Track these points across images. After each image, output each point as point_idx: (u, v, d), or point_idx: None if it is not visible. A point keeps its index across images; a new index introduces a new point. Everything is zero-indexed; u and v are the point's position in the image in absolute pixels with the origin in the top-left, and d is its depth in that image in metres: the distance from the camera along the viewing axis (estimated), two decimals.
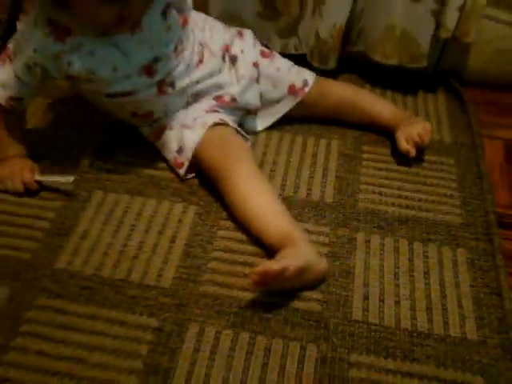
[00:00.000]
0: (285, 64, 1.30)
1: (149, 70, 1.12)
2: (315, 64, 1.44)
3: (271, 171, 1.23)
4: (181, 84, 1.18)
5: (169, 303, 0.98)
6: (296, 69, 1.31)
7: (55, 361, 0.89)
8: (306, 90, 1.29)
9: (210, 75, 1.22)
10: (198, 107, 1.22)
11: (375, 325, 0.97)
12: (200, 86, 1.21)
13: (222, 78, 1.24)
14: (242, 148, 1.17)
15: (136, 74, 1.12)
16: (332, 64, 1.44)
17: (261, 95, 1.29)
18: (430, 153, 1.30)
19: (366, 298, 1.01)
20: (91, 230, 1.09)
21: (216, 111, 1.21)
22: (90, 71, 1.09)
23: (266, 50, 1.31)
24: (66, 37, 1.05)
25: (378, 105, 1.33)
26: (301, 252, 0.98)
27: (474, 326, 0.97)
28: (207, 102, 1.22)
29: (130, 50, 1.09)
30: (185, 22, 1.16)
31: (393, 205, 1.17)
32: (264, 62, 1.28)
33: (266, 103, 1.30)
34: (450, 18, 1.35)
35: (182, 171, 1.18)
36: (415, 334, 0.95)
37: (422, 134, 1.22)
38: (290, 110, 1.31)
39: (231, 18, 1.42)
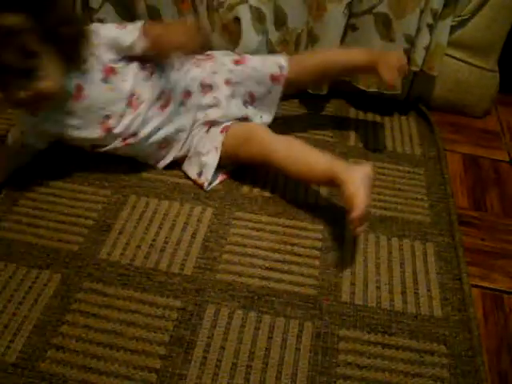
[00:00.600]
0: (257, 61, 1.22)
1: (105, 126, 1.09)
2: (310, 90, 1.43)
3: None
4: (144, 132, 1.11)
5: (190, 288, 0.97)
6: (268, 60, 1.24)
7: (99, 333, 0.89)
8: (285, 72, 1.21)
9: (170, 120, 1.15)
10: (199, 134, 1.19)
11: (360, 305, 0.96)
12: (164, 131, 1.14)
13: (179, 123, 1.17)
14: (258, 125, 1.18)
15: (97, 130, 1.09)
16: (324, 90, 1.43)
17: (253, 95, 1.23)
18: (404, 164, 1.29)
19: (352, 283, 1.00)
20: (127, 228, 1.08)
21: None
22: (60, 133, 1.09)
23: (237, 56, 1.25)
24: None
25: (349, 53, 1.27)
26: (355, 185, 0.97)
27: (439, 306, 0.97)
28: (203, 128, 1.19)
29: (82, 113, 1.07)
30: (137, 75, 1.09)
31: (374, 207, 1.16)
32: (239, 68, 1.20)
33: (261, 98, 1.24)
34: (419, 56, 1.35)
35: (205, 187, 1.15)
36: (393, 313, 0.95)
37: (400, 59, 1.20)
38: (283, 92, 1.25)
39: None
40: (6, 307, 0.93)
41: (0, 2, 0.92)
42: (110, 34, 1.06)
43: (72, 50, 1.01)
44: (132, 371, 0.84)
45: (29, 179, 1.16)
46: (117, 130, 1.09)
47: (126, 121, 1.08)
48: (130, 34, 1.05)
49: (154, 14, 1.41)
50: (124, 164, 1.21)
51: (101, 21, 1.43)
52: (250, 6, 1.31)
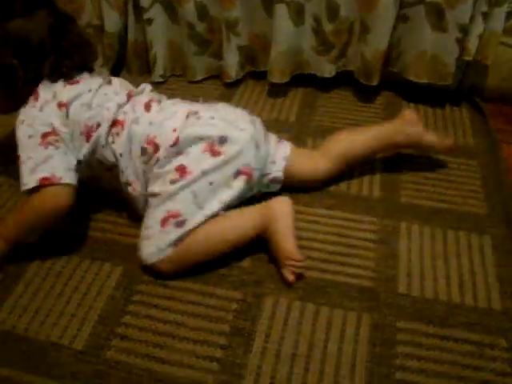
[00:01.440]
0: None
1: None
2: (361, 80, 1.43)
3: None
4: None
5: (249, 280, 0.99)
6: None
7: (161, 324, 0.92)
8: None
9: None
10: None
11: (417, 297, 0.96)
12: None
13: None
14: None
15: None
16: (375, 81, 1.42)
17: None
18: (458, 156, 1.28)
19: (408, 275, 1.00)
20: None
21: None
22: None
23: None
24: None
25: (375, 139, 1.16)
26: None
27: (498, 299, 0.96)
28: None
29: None
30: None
31: (429, 199, 1.15)
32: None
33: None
34: (472, 45, 1.33)
35: None
36: (450, 305, 0.95)
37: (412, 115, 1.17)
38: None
39: (294, 53, 1.42)
40: (72, 297, 0.98)
41: None
42: None
43: None
44: (194, 360, 0.87)
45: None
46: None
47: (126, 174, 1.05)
48: None
49: (203, 12, 1.43)
50: None
51: (150, 21, 1.45)
52: (290, 2, 1.32)
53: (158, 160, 0.98)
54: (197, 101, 1.12)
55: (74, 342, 0.91)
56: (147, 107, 1.03)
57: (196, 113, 1.02)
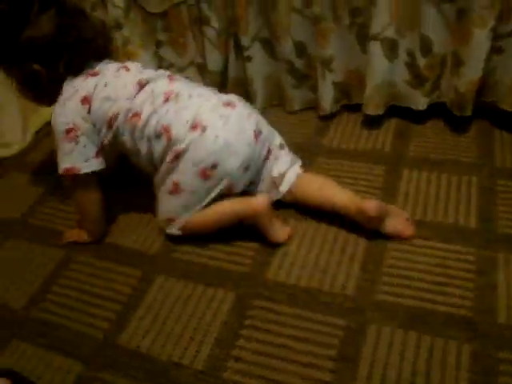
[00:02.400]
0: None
1: None
2: (454, 112, 1.45)
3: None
4: None
5: (352, 307, 1.05)
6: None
7: (272, 347, 1.00)
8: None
9: None
10: None
11: None
12: None
13: None
14: None
15: None
16: (468, 112, 1.44)
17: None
18: None
19: (509, 306, 1.02)
20: (290, 250, 1.19)
21: None
22: None
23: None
24: None
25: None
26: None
27: None
28: None
29: None
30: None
31: None
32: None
33: None
34: None
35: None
36: None
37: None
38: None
39: (388, 86, 1.47)
40: (189, 321, 1.07)
41: None
42: None
43: None
44: (305, 382, 0.94)
45: None
46: None
47: None
48: None
49: (301, 50, 1.51)
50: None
51: (250, 58, 1.56)
52: (383, 39, 1.38)
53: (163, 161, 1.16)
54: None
55: (194, 362, 1.00)
56: (165, 101, 1.16)
57: (204, 128, 1.12)
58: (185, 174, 1.14)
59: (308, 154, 1.44)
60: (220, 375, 0.97)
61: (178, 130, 1.12)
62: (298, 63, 1.55)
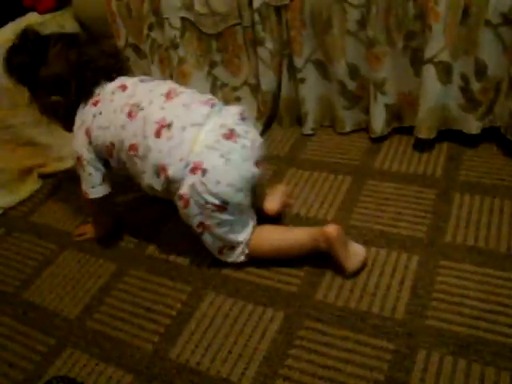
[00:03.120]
0: None
1: None
2: (508, 136, 1.43)
3: None
4: None
5: (402, 332, 1.05)
6: None
7: (321, 369, 1.01)
8: None
9: None
10: None
11: None
12: None
13: None
14: None
15: None
16: None
17: None
18: None
19: None
20: (339, 272, 1.18)
21: None
22: None
23: None
24: None
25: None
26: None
27: None
28: None
29: None
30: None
31: None
32: None
33: None
34: None
35: None
36: None
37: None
38: None
39: (441, 110, 1.47)
40: (238, 338, 1.09)
41: None
42: None
43: None
44: None
45: None
46: None
47: None
48: None
49: (354, 72, 1.53)
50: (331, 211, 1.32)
51: (303, 80, 1.58)
52: (438, 62, 1.38)
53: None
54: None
55: (242, 379, 1.02)
56: (157, 134, 1.13)
57: (204, 172, 1.10)
58: (201, 215, 1.15)
59: (359, 176, 1.44)
60: None
61: (174, 170, 1.12)
62: (351, 85, 1.56)
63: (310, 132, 1.68)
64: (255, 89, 1.71)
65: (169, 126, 1.12)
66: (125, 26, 1.81)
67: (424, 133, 1.49)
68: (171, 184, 1.14)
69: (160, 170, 1.13)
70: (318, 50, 1.57)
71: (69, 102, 1.25)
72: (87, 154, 1.24)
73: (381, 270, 1.18)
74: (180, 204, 1.15)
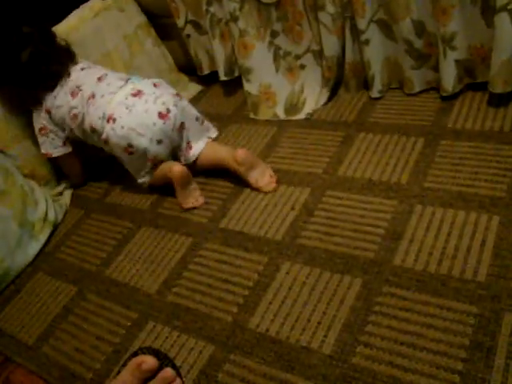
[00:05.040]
0: None
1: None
2: None
3: None
4: None
5: (485, 295, 1.01)
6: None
7: (401, 334, 0.99)
8: None
9: None
10: None
11: None
12: None
13: None
14: None
15: None
16: None
17: None
18: None
19: None
20: (416, 236, 1.15)
21: None
22: None
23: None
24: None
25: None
26: None
27: None
28: None
29: None
30: None
31: None
32: None
33: None
34: None
35: None
36: None
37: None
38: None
39: None
40: (317, 306, 1.08)
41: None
42: None
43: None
44: (435, 371, 0.92)
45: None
46: None
47: None
48: None
49: (420, 29, 1.47)
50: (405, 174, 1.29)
51: (367, 41, 1.53)
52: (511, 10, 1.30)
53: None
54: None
55: (322, 346, 1.01)
56: (87, 104, 1.51)
57: (114, 120, 1.44)
58: (118, 153, 1.49)
59: (431, 137, 1.39)
60: (349, 360, 0.98)
61: (96, 123, 1.48)
62: (417, 43, 1.50)
63: (378, 95, 1.64)
64: (318, 55, 1.67)
65: (93, 96, 1.49)
66: (184, 3, 1.81)
67: (500, 87, 1.41)
68: (96, 133, 1.49)
69: (92, 127, 1.49)
70: (380, 9, 1.51)
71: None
72: (50, 125, 1.61)
73: (460, 231, 1.13)
74: (104, 146, 1.51)
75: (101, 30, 1.80)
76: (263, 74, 1.74)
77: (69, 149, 1.68)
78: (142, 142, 1.44)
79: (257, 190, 1.44)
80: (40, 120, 1.62)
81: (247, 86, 1.77)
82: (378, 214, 1.23)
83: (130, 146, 1.45)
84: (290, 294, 1.13)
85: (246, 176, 1.43)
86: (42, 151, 1.66)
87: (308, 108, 1.71)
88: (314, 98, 1.72)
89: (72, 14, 1.79)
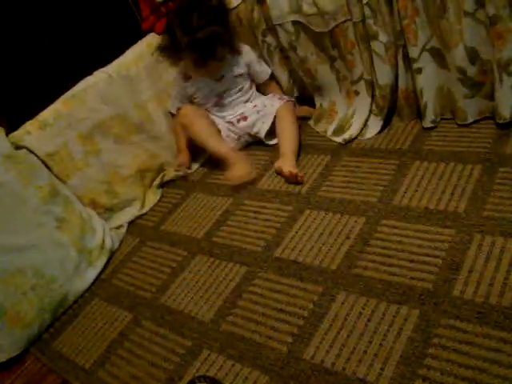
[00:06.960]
0: None
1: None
2: None
3: None
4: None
5: None
6: None
7: (462, 368, 0.95)
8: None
9: None
10: None
11: None
12: None
13: None
14: None
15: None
16: None
17: None
18: None
19: None
20: (476, 266, 1.11)
21: None
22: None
23: None
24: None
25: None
26: None
27: None
28: None
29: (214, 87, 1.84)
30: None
31: None
32: None
33: None
34: None
35: None
36: None
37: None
38: None
39: None
40: (373, 338, 1.06)
41: None
42: None
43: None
44: None
45: None
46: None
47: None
48: None
49: (473, 56, 1.44)
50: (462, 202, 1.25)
51: (420, 70, 1.51)
52: None
53: None
54: None
55: (379, 379, 0.99)
56: None
57: None
58: None
59: (489, 164, 1.36)
60: None
61: None
62: (471, 70, 1.47)
63: (431, 125, 1.60)
64: (370, 84, 1.66)
65: None
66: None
67: None
68: None
69: None
70: (433, 37, 1.50)
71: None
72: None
73: None
74: None
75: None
76: (331, 92, 1.82)
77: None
78: None
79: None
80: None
81: (319, 100, 1.89)
82: (435, 244, 1.19)
83: None
84: (345, 325, 1.11)
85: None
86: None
87: (348, 134, 1.71)
88: (358, 125, 1.71)
89: (129, 49, 1.88)
